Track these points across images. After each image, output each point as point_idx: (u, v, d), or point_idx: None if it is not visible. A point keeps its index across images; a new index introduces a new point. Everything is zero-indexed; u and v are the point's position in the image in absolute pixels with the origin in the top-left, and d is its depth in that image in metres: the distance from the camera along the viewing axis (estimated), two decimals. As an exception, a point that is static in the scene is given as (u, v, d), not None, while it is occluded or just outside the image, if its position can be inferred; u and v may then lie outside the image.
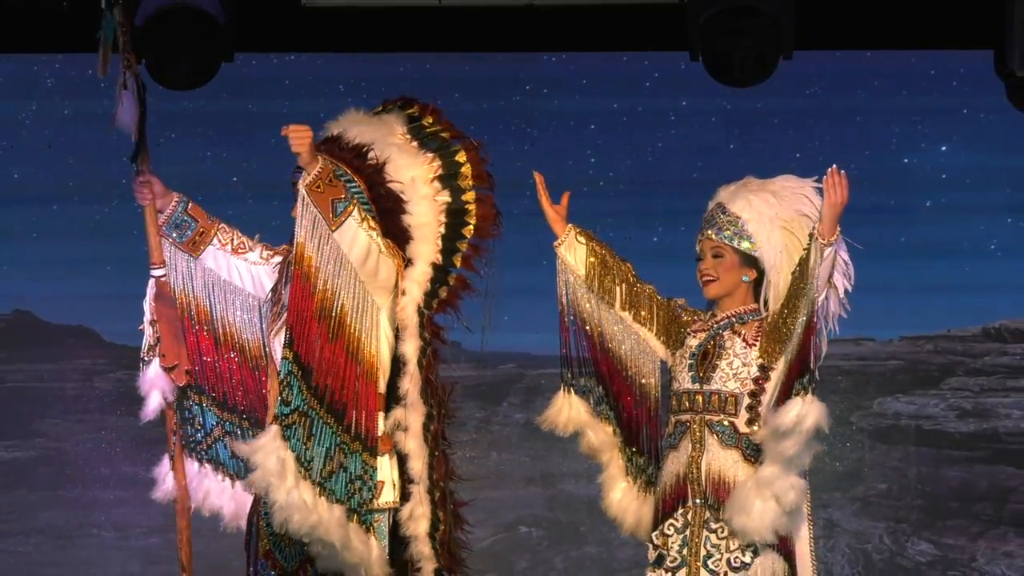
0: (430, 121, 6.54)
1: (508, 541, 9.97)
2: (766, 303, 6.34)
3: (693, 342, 6.39)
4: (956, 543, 10.21)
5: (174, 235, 6.48)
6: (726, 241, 6.35)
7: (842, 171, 6.15)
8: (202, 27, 8.11)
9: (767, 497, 6.12)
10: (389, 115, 6.51)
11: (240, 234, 6.54)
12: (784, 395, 6.13)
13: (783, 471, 6.12)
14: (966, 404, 10.26)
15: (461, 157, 6.41)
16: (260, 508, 6.18)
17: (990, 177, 10.23)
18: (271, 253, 6.49)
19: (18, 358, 10.16)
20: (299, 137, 5.97)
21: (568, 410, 6.63)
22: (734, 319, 6.36)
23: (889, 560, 10.14)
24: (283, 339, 6.05)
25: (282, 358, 5.98)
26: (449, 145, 6.51)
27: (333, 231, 6.02)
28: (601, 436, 6.56)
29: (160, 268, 6.41)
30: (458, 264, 6.42)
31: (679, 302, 6.49)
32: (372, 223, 6.13)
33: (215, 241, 6.49)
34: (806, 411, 6.07)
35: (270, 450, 5.87)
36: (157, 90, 8.09)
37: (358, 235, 6.07)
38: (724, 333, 6.35)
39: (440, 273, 6.32)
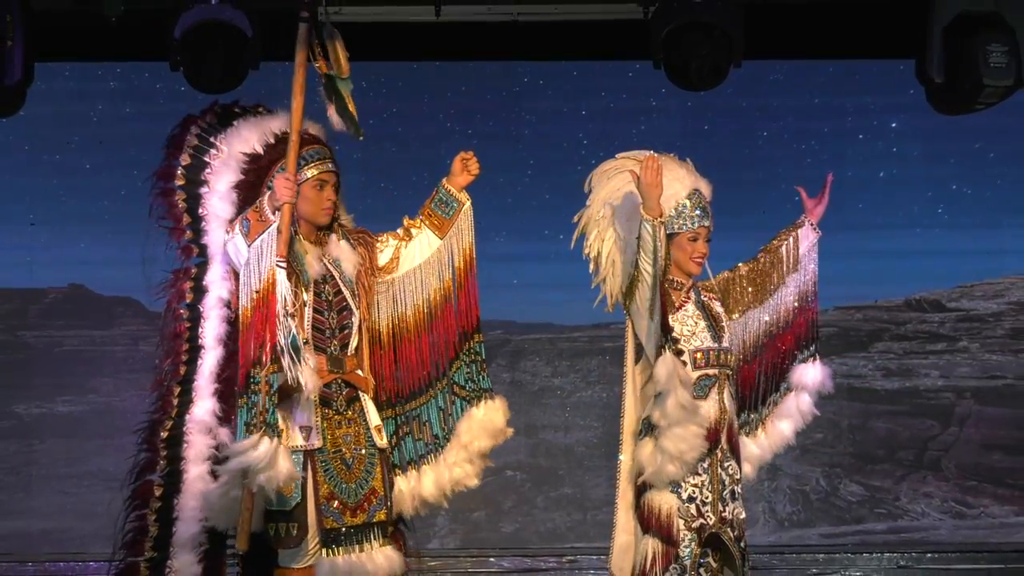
0: None
1: (496, 484, 9.92)
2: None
3: (691, 306, 6.45)
4: (882, 485, 10.24)
5: None
6: (712, 226, 6.55)
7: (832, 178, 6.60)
8: (232, 39, 8.19)
9: None
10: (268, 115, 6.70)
11: None
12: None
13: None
14: (891, 365, 10.31)
15: None
16: (317, 460, 6.30)
17: (937, 152, 10.29)
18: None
19: (74, 325, 10.12)
20: (478, 165, 6.46)
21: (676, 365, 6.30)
22: (696, 289, 6.52)
23: (824, 499, 10.17)
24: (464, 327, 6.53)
25: (479, 341, 6.53)
26: None
27: None
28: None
29: (284, 261, 6.16)
30: None
31: None
32: None
33: None
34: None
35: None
36: (195, 94, 8.19)
37: None
38: (704, 300, 6.51)
39: None
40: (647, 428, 6.34)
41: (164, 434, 6.50)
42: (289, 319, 6.06)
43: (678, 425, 6.20)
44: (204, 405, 6.43)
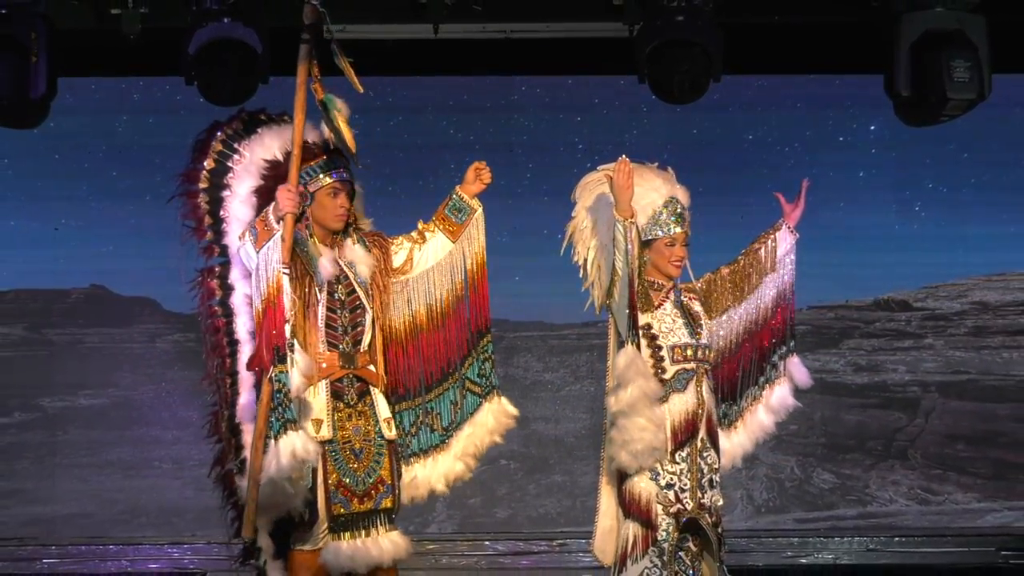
0: None
1: (491, 472, 10.00)
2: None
3: (668, 305, 6.55)
4: (853, 473, 10.31)
5: None
6: (689, 231, 6.66)
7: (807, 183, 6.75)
8: (243, 55, 8.28)
9: None
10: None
11: None
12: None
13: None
14: (861, 361, 10.39)
15: None
16: (327, 450, 6.38)
17: (913, 153, 10.30)
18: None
19: (95, 323, 10.20)
20: (490, 174, 6.59)
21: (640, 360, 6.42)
22: (677, 290, 6.65)
23: (798, 487, 10.24)
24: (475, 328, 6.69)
25: (489, 341, 6.71)
26: None
27: None
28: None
29: (288, 268, 6.24)
30: None
31: None
32: None
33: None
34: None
35: None
36: (207, 106, 8.34)
37: None
38: (684, 300, 6.63)
39: None
40: (611, 419, 6.49)
41: (224, 424, 6.54)
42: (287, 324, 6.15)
43: (623, 416, 6.31)
44: (247, 396, 6.48)
